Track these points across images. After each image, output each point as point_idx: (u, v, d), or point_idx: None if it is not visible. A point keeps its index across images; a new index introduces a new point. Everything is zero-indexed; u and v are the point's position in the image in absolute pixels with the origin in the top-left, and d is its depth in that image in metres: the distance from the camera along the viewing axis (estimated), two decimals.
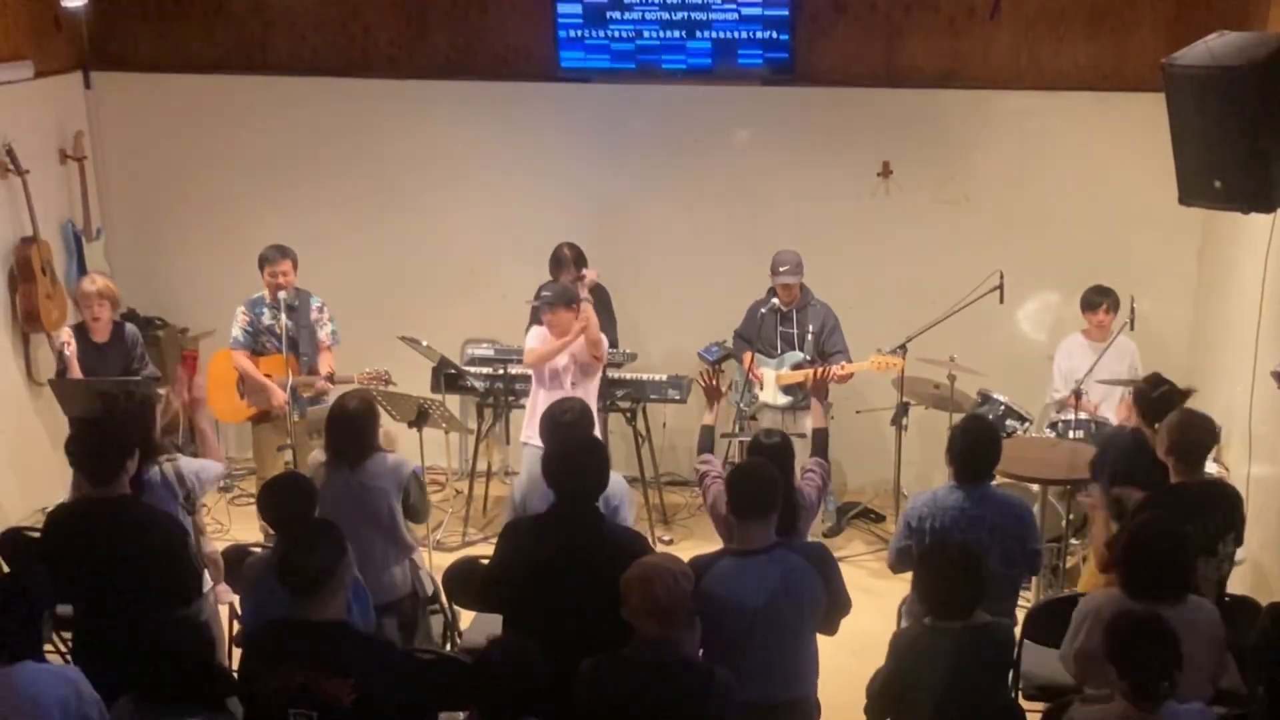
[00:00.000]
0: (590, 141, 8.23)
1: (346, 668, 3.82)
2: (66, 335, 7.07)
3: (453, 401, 7.76)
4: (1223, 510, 5.07)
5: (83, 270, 8.05)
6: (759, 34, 7.80)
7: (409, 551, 5.38)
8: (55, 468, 7.74)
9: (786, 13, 7.74)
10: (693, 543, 7.41)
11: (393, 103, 8.28)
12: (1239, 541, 5.17)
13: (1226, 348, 7.01)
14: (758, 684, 4.18)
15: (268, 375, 7.15)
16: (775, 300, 7.41)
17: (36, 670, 3.94)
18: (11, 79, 7.67)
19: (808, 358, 7.40)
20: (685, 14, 7.84)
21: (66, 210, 8.23)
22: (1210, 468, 6.40)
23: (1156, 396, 5.48)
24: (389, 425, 6.22)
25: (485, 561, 5.00)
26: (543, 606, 4.31)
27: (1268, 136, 4.88)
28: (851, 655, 5.06)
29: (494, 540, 4.82)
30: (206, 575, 5.25)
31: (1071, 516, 6.77)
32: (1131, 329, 7.01)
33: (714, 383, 5.58)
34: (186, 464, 5.29)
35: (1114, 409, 7.33)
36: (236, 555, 5.47)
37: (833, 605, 4.41)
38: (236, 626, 5.12)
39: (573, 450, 4.54)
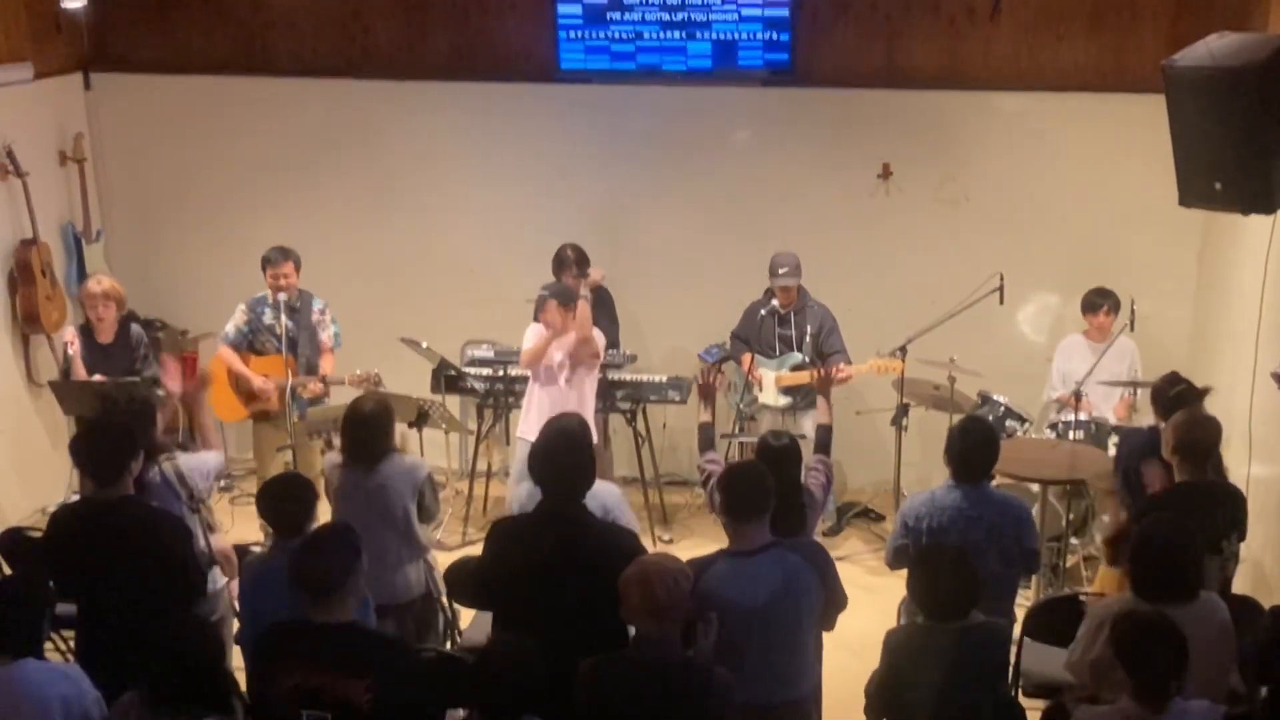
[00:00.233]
0: (590, 142, 8.23)
1: (362, 669, 3.83)
2: (70, 335, 7.08)
3: (452, 402, 7.76)
4: (1227, 509, 5.07)
5: (83, 272, 8.06)
6: (759, 35, 7.80)
7: (423, 552, 5.38)
8: (55, 468, 7.79)
9: (786, 13, 7.75)
10: (693, 542, 7.41)
11: (393, 103, 8.28)
12: (1242, 539, 5.17)
13: (1226, 349, 7.00)
14: (756, 684, 4.18)
15: (265, 375, 7.16)
16: (775, 302, 7.41)
17: (38, 668, 3.96)
18: (11, 80, 7.68)
19: (806, 359, 7.41)
20: (685, 15, 7.84)
21: (66, 212, 8.24)
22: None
23: (1174, 395, 5.49)
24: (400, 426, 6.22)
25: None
26: (532, 605, 4.31)
27: (1268, 137, 4.88)
28: (851, 655, 5.06)
29: None
30: (218, 573, 5.25)
31: (1071, 516, 6.78)
32: (1131, 330, 7.01)
33: (711, 381, 5.59)
34: (186, 462, 5.29)
35: (1113, 409, 7.33)
36: (238, 555, 5.47)
37: (830, 603, 4.41)
38: (237, 625, 5.12)
39: (558, 448, 4.53)
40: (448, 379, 7.69)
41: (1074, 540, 6.93)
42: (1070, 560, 6.90)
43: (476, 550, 4.85)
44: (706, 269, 8.18)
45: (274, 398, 7.14)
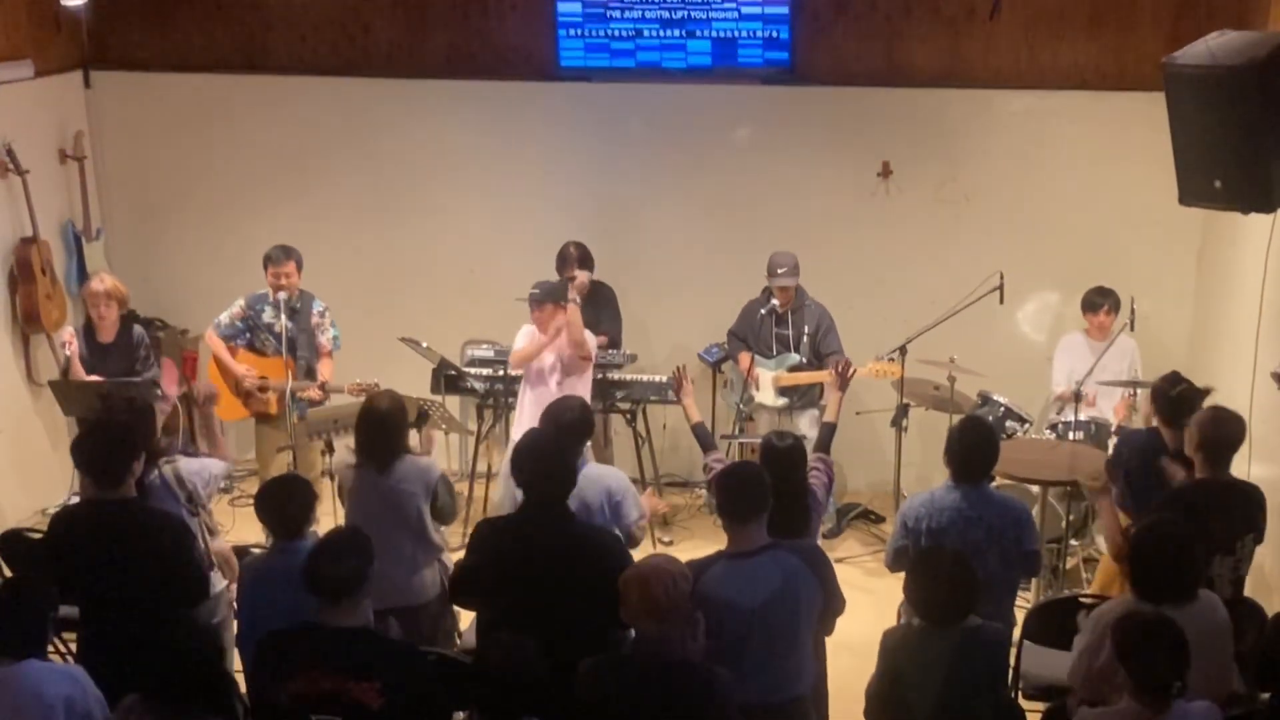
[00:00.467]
0: (590, 141, 8.23)
1: (374, 673, 3.83)
2: (68, 335, 7.08)
3: (453, 402, 7.75)
4: (1243, 509, 5.05)
5: (83, 270, 8.06)
6: (759, 33, 7.80)
7: (438, 553, 5.35)
8: (55, 468, 7.78)
9: (786, 12, 7.75)
10: (693, 543, 7.40)
11: (392, 102, 8.28)
12: (1259, 540, 5.14)
13: (1226, 348, 7.00)
14: (755, 684, 4.18)
15: (263, 377, 7.16)
16: (774, 302, 7.40)
17: (41, 669, 3.96)
18: (11, 79, 7.67)
19: (803, 360, 7.39)
20: (685, 13, 7.84)
21: (66, 210, 8.23)
22: None
23: (1175, 395, 5.47)
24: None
25: None
26: (514, 605, 4.31)
27: (1268, 136, 4.88)
28: (852, 655, 5.05)
29: None
30: (218, 576, 5.24)
31: (1071, 517, 6.77)
32: (1131, 329, 7.01)
33: (681, 380, 5.66)
34: (186, 465, 5.27)
35: (1113, 408, 7.32)
36: (238, 556, 5.46)
37: (828, 607, 4.41)
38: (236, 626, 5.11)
39: (539, 450, 4.53)
40: (448, 379, 7.68)
41: (1074, 542, 6.92)
42: (1070, 562, 6.90)
43: None
44: (706, 268, 8.18)
45: (272, 400, 7.14)
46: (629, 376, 7.63)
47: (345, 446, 5.38)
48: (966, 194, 7.92)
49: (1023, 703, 4.93)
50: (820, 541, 7.24)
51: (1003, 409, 7.29)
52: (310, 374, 7.22)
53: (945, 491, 4.95)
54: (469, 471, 8.00)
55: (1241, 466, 6.11)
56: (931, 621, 4.18)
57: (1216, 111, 5.01)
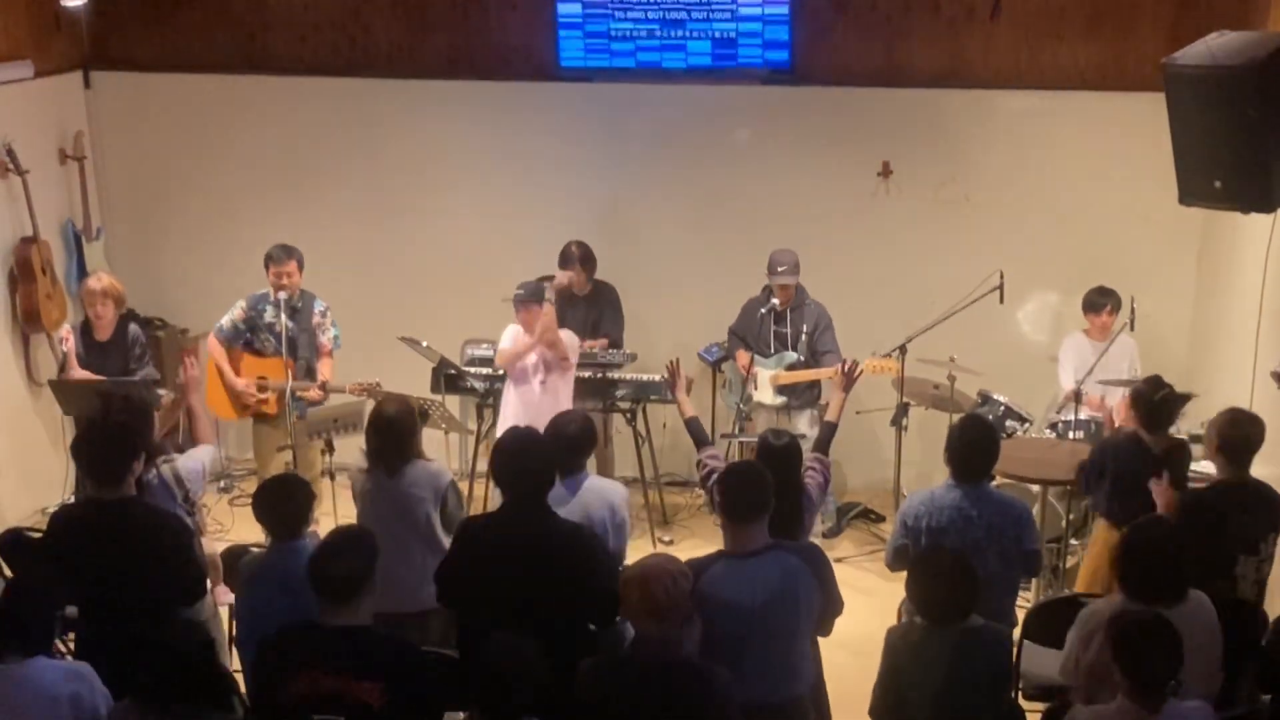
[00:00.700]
0: (590, 141, 8.23)
1: (376, 672, 3.84)
2: (66, 333, 7.09)
3: (452, 402, 7.75)
4: (1266, 509, 5.04)
5: (83, 270, 8.06)
6: (759, 33, 7.80)
7: None
8: (55, 468, 7.77)
9: (786, 12, 7.75)
10: (693, 543, 7.40)
11: (392, 102, 8.28)
12: None
13: (1226, 348, 7.01)
14: (755, 684, 4.17)
15: (262, 376, 7.16)
16: (775, 300, 7.40)
17: (48, 666, 3.97)
18: (11, 79, 7.67)
19: (801, 358, 7.39)
20: (685, 13, 7.84)
21: (66, 210, 8.23)
22: (1211, 468, 6.41)
23: (1158, 400, 5.47)
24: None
25: None
26: (495, 604, 4.30)
27: (1268, 136, 4.88)
28: (851, 655, 5.05)
29: None
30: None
31: (1071, 516, 6.77)
32: (1131, 329, 7.01)
33: (675, 374, 5.64)
34: (183, 463, 5.28)
35: (1116, 408, 7.31)
36: (235, 555, 5.46)
37: (827, 608, 4.40)
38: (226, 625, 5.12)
39: (516, 449, 4.52)
40: (448, 378, 7.68)
41: (1074, 541, 6.91)
42: (1070, 561, 6.88)
43: None
44: (706, 267, 8.18)
45: (271, 400, 7.14)
46: (629, 376, 7.63)
47: (359, 449, 5.35)
48: (966, 194, 7.92)
49: (1023, 703, 4.92)
50: (820, 541, 7.30)
51: (1002, 408, 7.29)
52: (310, 373, 7.21)
53: (945, 490, 4.96)
54: (469, 471, 8.00)
55: None
56: (932, 620, 4.18)
57: (1216, 111, 5.02)
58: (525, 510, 4.44)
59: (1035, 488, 6.58)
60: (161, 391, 7.02)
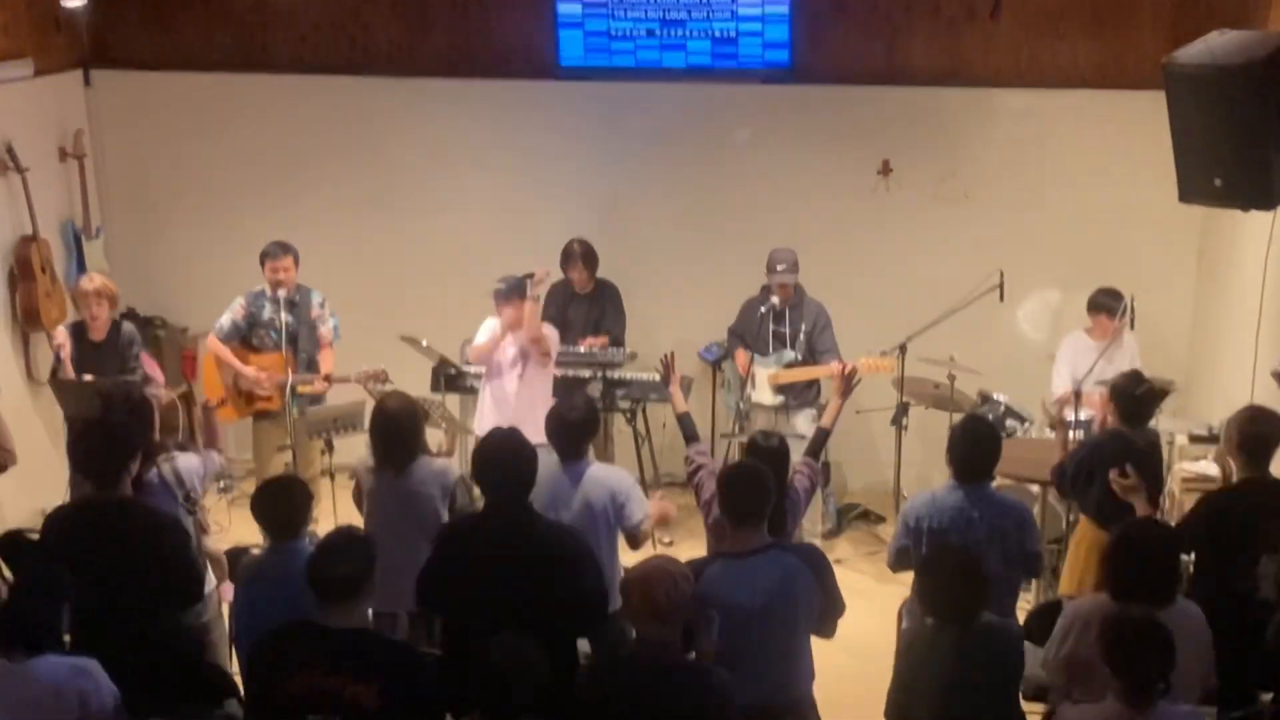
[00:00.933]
0: (590, 139, 8.23)
1: (371, 673, 3.84)
2: (61, 335, 7.07)
3: (453, 401, 7.75)
4: None
5: (82, 269, 8.05)
6: (759, 33, 7.80)
7: None
8: (55, 468, 7.74)
9: (786, 11, 7.75)
10: (693, 543, 7.38)
11: (393, 101, 8.28)
12: None
13: (1226, 347, 7.01)
14: (754, 685, 4.17)
15: (264, 370, 7.15)
16: (774, 299, 7.39)
17: (57, 663, 3.96)
18: (11, 78, 7.66)
19: (799, 357, 7.38)
20: (685, 12, 7.84)
21: (66, 209, 8.23)
22: (1210, 468, 6.42)
23: (1139, 395, 5.48)
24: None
25: None
26: (478, 606, 4.29)
27: (1267, 135, 4.88)
28: (850, 655, 5.06)
29: None
30: (210, 575, 5.24)
31: (1071, 517, 6.76)
32: (1131, 328, 7.00)
33: (670, 368, 5.65)
34: (183, 462, 5.27)
35: (1098, 405, 7.30)
36: (235, 556, 5.46)
37: (828, 607, 4.40)
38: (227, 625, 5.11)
39: (498, 450, 4.51)
40: (448, 378, 7.68)
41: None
42: None
43: None
44: (706, 266, 8.18)
45: (274, 396, 7.14)
46: (629, 375, 7.63)
47: (365, 447, 5.34)
48: (966, 192, 7.92)
49: (1022, 704, 4.91)
50: (820, 542, 7.30)
51: (1003, 408, 7.29)
52: (312, 367, 7.22)
53: (947, 491, 4.95)
54: (469, 471, 7.99)
55: None
56: (946, 620, 4.17)
57: (1216, 111, 5.02)
58: (508, 512, 4.42)
59: (1035, 488, 6.58)
60: (160, 392, 7.01)
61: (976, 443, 5.00)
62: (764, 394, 7.43)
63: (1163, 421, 6.67)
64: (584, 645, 4.68)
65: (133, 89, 8.46)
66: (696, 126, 8.13)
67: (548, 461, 5.00)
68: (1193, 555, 5.08)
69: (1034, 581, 6.31)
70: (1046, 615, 5.12)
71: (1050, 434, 7.17)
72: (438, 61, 8.25)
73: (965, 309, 7.07)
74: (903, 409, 7.43)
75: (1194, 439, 6.75)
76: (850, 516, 7.99)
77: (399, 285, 8.40)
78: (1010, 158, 7.87)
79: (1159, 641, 3.69)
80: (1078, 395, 6.86)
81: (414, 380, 7.51)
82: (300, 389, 7.08)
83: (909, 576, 5.05)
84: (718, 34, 7.85)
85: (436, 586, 4.52)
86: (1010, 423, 7.24)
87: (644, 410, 7.73)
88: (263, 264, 7.11)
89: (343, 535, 4.22)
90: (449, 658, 4.41)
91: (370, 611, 4.24)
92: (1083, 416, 6.98)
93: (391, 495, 5.14)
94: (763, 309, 7.42)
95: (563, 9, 7.91)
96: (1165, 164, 5.50)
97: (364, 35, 8.31)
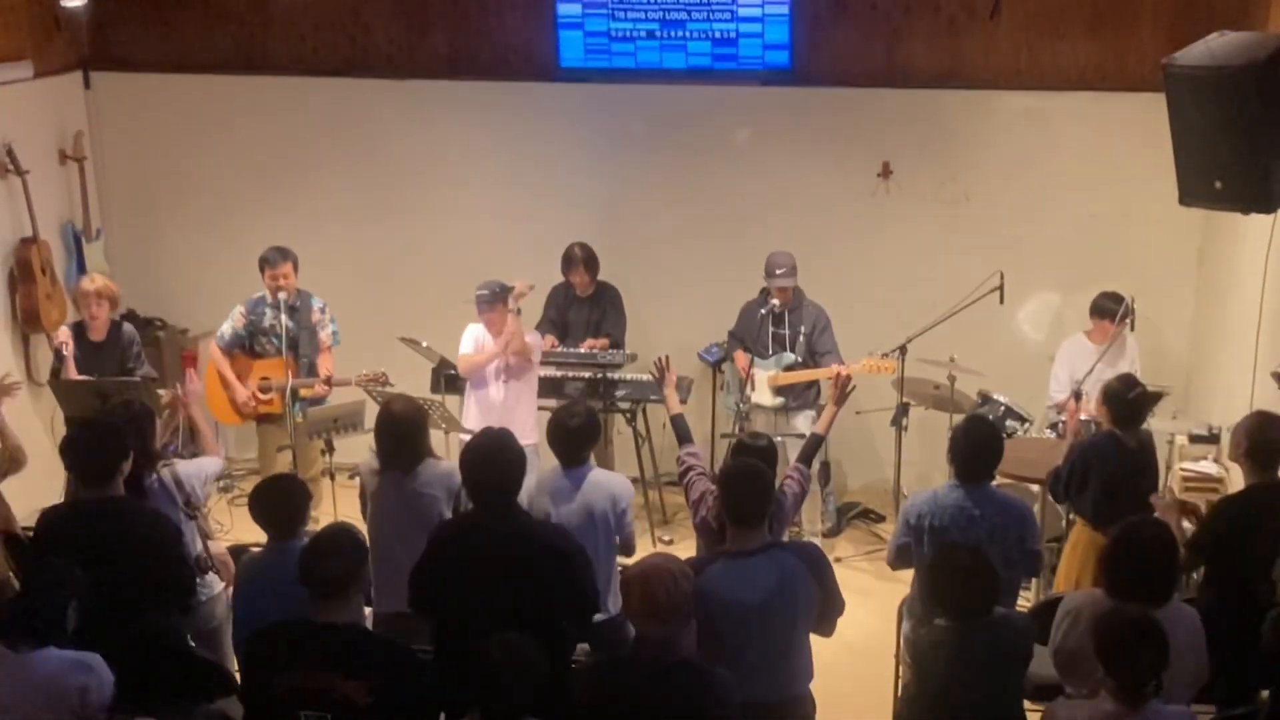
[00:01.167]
0: (590, 141, 8.23)
1: (364, 670, 3.84)
2: (64, 335, 7.08)
3: (453, 402, 7.74)
4: None
5: (82, 270, 8.05)
6: (759, 33, 7.80)
7: None
8: (55, 468, 7.70)
9: (786, 12, 7.75)
10: (693, 542, 7.36)
11: (392, 103, 8.28)
12: None
13: (1227, 348, 7.00)
14: (754, 683, 4.17)
15: (265, 378, 7.17)
16: (774, 302, 7.39)
17: (59, 657, 3.98)
18: (11, 79, 7.67)
19: (799, 359, 7.39)
20: (685, 13, 7.84)
21: (66, 210, 8.23)
22: (1210, 468, 6.42)
23: (1132, 398, 5.49)
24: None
25: None
26: (471, 609, 4.29)
27: (1268, 136, 4.89)
28: (851, 654, 5.06)
29: None
30: (215, 578, 5.24)
31: (1071, 517, 6.76)
32: (1131, 329, 7.01)
33: (664, 369, 5.65)
34: (183, 467, 5.27)
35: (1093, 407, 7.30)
36: (235, 555, 5.46)
37: (827, 606, 4.39)
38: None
39: (483, 453, 4.50)
40: (448, 378, 7.68)
41: None
42: None
43: None
44: (706, 267, 8.18)
45: (276, 400, 7.14)
46: (629, 376, 7.63)
47: (370, 449, 5.35)
48: (966, 194, 7.92)
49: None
50: (820, 541, 7.30)
51: (1003, 408, 7.29)
52: (313, 371, 7.23)
53: (948, 489, 4.96)
54: None
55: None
56: (960, 618, 4.16)
57: (1216, 112, 5.02)
58: (497, 513, 4.41)
59: (1035, 488, 6.58)
60: (161, 391, 7.01)
61: (978, 443, 5.01)
62: (764, 395, 7.43)
63: (1163, 423, 6.68)
64: (584, 645, 4.68)
65: (132, 90, 8.47)
66: (696, 128, 8.13)
67: (549, 464, 5.00)
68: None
69: (1034, 580, 6.30)
70: (1046, 613, 5.13)
71: (1050, 434, 7.18)
72: (437, 63, 8.26)
73: (965, 310, 7.07)
74: (903, 409, 7.43)
75: (1194, 439, 6.75)
76: (850, 515, 7.99)
77: (399, 286, 8.40)
78: (1010, 159, 7.87)
79: (1154, 640, 3.69)
80: (1078, 396, 6.86)
81: (414, 381, 7.52)
82: (302, 392, 7.09)
83: (909, 575, 5.07)
84: (718, 35, 7.86)
85: (426, 587, 4.52)
86: (1010, 423, 7.24)
87: (644, 411, 7.73)
88: (262, 270, 7.12)
89: (333, 532, 4.21)
90: (440, 657, 4.41)
91: (370, 611, 4.24)
92: (1083, 417, 6.98)
93: (397, 497, 5.14)
94: (762, 312, 7.43)
95: (562, 10, 7.91)
96: (1165, 166, 5.51)
97: (364, 36, 8.32)
